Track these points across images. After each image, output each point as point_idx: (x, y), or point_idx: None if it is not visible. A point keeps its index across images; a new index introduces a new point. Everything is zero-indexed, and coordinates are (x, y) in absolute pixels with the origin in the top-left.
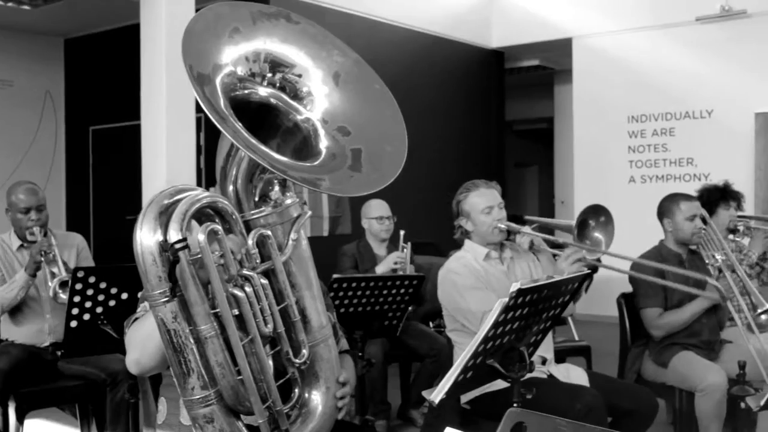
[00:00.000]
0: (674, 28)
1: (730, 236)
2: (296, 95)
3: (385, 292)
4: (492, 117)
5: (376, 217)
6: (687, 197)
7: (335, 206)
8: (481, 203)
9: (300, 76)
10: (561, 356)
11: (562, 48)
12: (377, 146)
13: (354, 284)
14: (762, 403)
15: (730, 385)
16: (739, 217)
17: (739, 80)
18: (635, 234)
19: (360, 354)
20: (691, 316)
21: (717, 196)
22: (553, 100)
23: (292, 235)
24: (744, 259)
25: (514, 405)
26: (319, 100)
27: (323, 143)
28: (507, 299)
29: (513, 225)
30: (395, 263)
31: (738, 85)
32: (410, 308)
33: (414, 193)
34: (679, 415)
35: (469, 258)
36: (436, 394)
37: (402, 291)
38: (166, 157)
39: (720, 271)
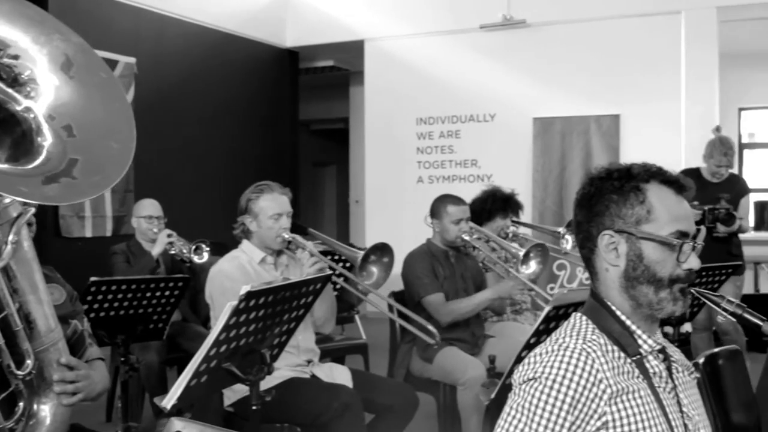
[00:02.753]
0: (460, 35)
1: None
2: (15, 80)
3: (148, 294)
4: (286, 116)
5: (145, 216)
6: (455, 201)
7: (119, 205)
8: (272, 208)
9: (17, 57)
10: (340, 354)
11: (355, 50)
12: (102, 145)
13: (114, 287)
14: (492, 396)
15: None
16: (513, 222)
17: (519, 86)
18: (423, 233)
19: (123, 359)
20: (476, 305)
21: (499, 205)
22: (348, 100)
23: (11, 237)
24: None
25: (253, 408)
26: (42, 89)
27: (46, 141)
28: (236, 302)
29: (299, 239)
30: (168, 236)
31: (518, 90)
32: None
33: (207, 193)
34: (443, 409)
35: (243, 259)
36: (168, 400)
37: (167, 293)
38: None
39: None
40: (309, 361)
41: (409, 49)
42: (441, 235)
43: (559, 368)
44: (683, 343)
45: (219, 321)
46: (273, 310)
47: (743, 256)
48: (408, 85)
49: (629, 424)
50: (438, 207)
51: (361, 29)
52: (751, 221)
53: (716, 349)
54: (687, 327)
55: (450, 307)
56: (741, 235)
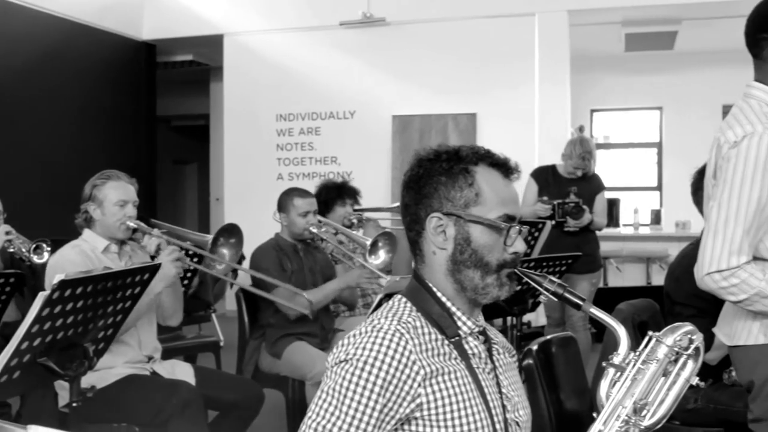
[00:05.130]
0: (320, 31)
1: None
2: None
3: None
4: (143, 112)
5: None
6: (302, 194)
7: None
8: (118, 195)
9: None
10: (192, 352)
11: (215, 44)
12: None
13: None
14: None
15: None
16: (355, 210)
17: (379, 84)
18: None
19: None
20: (324, 296)
21: (334, 194)
22: (209, 96)
23: None
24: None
25: (73, 405)
26: None
27: None
28: (48, 292)
29: (143, 225)
30: (6, 233)
31: (378, 88)
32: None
33: (54, 190)
34: (292, 405)
35: (86, 247)
36: None
37: None
38: None
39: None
40: (150, 359)
41: (269, 45)
42: (289, 229)
43: (371, 350)
44: (536, 336)
45: (30, 312)
46: (94, 301)
47: (599, 254)
48: (268, 81)
49: (444, 405)
50: (285, 200)
51: (220, 23)
52: None
53: (549, 336)
54: (542, 320)
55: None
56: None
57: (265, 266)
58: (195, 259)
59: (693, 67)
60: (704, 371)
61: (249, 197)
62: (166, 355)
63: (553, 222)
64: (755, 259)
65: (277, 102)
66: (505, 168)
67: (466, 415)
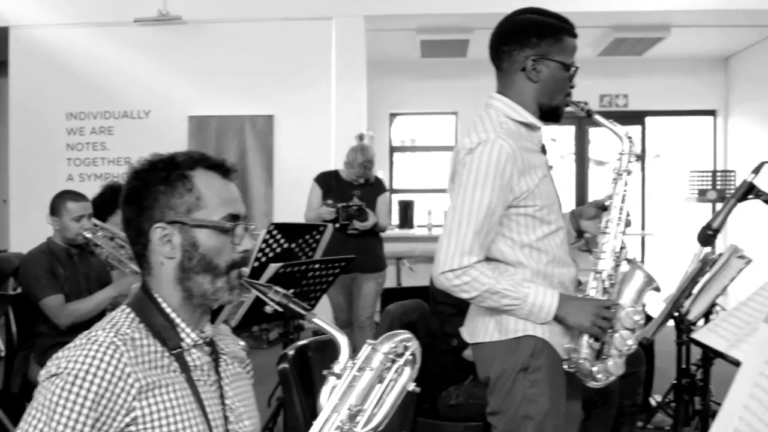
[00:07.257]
0: (113, 28)
1: None
2: None
3: None
4: None
5: None
6: (75, 197)
7: None
8: None
9: None
10: None
11: (0, 37)
12: None
13: None
14: None
15: None
16: None
17: (174, 84)
18: None
19: None
20: (97, 304)
21: (118, 197)
22: None
23: None
24: None
25: None
26: None
27: None
28: None
29: None
30: None
31: (174, 88)
32: None
33: None
34: None
35: None
36: None
37: None
38: None
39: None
40: None
41: (59, 40)
42: (61, 234)
43: (83, 363)
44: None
45: None
46: None
47: (384, 254)
48: (57, 78)
49: (160, 419)
50: (57, 204)
51: (5, 15)
52: (396, 219)
53: (306, 341)
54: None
55: (69, 309)
56: (388, 232)
57: (35, 273)
58: None
59: (485, 74)
60: (466, 368)
61: (37, 199)
62: None
63: (337, 225)
64: (489, 260)
65: (67, 100)
66: (222, 169)
67: (183, 428)
